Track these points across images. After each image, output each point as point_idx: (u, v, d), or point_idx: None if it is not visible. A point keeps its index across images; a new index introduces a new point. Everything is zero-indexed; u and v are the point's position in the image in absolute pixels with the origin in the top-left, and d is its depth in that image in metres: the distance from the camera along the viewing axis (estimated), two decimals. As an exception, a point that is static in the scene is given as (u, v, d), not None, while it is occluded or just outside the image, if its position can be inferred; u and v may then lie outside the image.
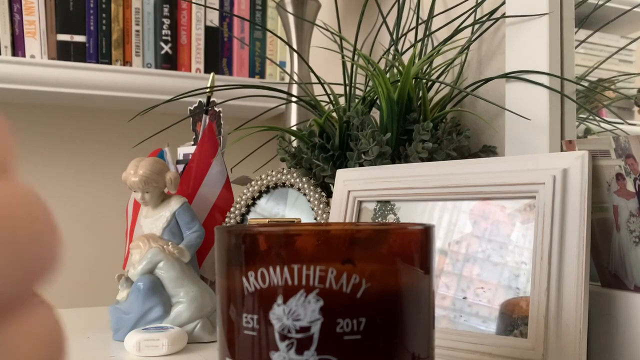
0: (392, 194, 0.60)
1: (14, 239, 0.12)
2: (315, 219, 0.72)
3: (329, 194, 0.73)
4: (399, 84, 0.69)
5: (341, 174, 0.65)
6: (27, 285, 0.12)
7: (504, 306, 0.50)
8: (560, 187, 0.48)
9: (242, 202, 0.80)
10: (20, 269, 0.12)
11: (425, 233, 0.33)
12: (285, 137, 0.81)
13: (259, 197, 0.80)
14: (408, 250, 0.32)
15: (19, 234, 0.12)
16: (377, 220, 0.61)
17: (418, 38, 0.78)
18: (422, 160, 0.67)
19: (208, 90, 0.90)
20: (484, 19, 0.73)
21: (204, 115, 0.91)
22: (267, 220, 0.70)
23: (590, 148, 0.49)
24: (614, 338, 0.48)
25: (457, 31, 0.74)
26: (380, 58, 0.79)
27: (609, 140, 0.49)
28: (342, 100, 0.82)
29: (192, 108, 0.94)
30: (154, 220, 0.73)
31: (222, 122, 0.90)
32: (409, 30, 0.81)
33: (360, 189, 0.62)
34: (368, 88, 0.78)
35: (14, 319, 0.12)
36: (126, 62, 1.16)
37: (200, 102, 0.93)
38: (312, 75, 0.83)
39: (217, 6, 1.22)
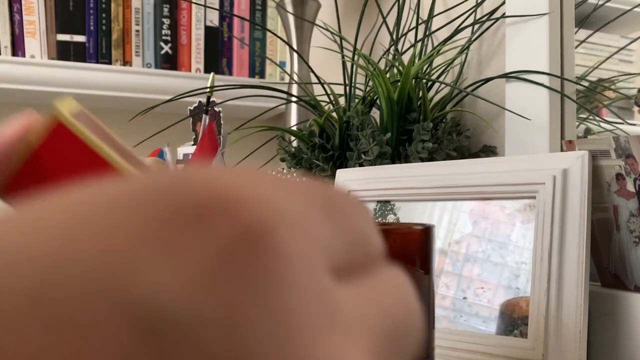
0: (392, 194, 0.60)
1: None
2: (315, 219, 0.72)
3: (329, 194, 0.73)
4: (399, 84, 0.69)
5: (341, 174, 0.65)
6: None
7: (504, 306, 0.50)
8: (560, 187, 0.48)
9: (242, 202, 0.80)
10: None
11: (425, 233, 0.33)
12: (285, 137, 0.81)
13: (259, 197, 0.80)
14: (408, 250, 0.32)
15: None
16: (377, 220, 0.61)
17: (418, 38, 0.78)
18: (422, 160, 0.67)
19: (208, 90, 0.90)
20: (484, 19, 0.73)
21: (204, 115, 0.91)
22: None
23: (590, 148, 0.49)
24: (614, 338, 0.48)
25: (457, 31, 0.74)
26: (380, 58, 0.79)
27: (609, 140, 0.49)
28: (342, 100, 0.82)
29: (192, 108, 0.94)
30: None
31: (222, 122, 0.90)
32: (409, 30, 0.81)
33: (360, 189, 0.62)
34: (368, 88, 0.78)
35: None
36: (126, 62, 1.16)
37: (200, 102, 0.93)
38: (312, 75, 0.83)
39: (217, 6, 1.22)
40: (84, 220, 0.10)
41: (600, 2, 0.68)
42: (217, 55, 1.22)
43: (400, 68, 0.71)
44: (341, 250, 0.12)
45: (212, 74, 0.92)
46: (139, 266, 0.09)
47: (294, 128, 0.94)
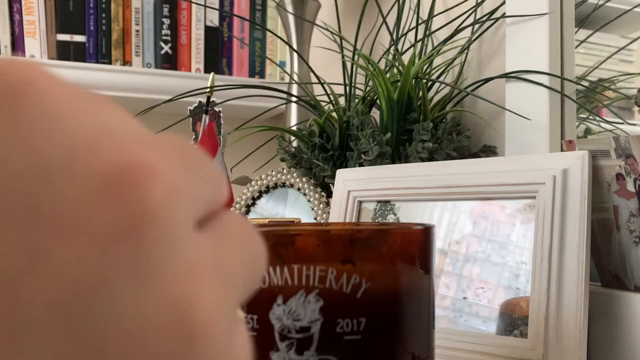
0: (392, 194, 0.60)
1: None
2: (315, 219, 0.72)
3: (329, 194, 0.73)
4: (399, 84, 0.69)
5: (341, 174, 0.65)
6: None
7: (504, 306, 0.50)
8: (560, 187, 0.48)
9: (242, 202, 0.80)
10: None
11: (425, 233, 0.33)
12: (285, 137, 0.81)
13: (259, 197, 0.80)
14: (408, 250, 0.32)
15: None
16: (377, 220, 0.61)
17: (418, 38, 0.78)
18: (422, 160, 0.67)
19: (208, 90, 0.90)
20: (484, 19, 0.73)
21: (203, 115, 0.91)
22: (267, 220, 0.70)
23: (590, 148, 0.49)
24: (614, 338, 0.48)
25: (457, 31, 0.74)
26: (380, 58, 0.79)
27: (609, 140, 0.49)
28: (342, 100, 0.82)
29: (192, 108, 0.94)
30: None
31: (222, 122, 0.90)
32: (409, 30, 0.81)
33: (360, 189, 0.62)
34: (368, 88, 0.78)
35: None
36: (126, 62, 1.16)
37: (200, 102, 0.93)
38: (312, 75, 0.83)
39: (217, 6, 1.22)
40: None
41: (600, 2, 0.68)
42: (217, 55, 1.22)
43: (400, 68, 0.71)
44: (204, 202, 0.14)
45: (212, 74, 0.92)
46: None
47: (294, 128, 0.94)
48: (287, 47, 1.04)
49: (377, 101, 0.74)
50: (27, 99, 0.12)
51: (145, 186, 0.12)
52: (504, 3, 0.70)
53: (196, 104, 0.93)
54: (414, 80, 0.70)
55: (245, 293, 0.15)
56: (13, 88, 0.12)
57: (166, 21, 1.18)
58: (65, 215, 0.11)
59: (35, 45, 1.10)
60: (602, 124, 0.69)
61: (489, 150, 0.74)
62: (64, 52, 1.12)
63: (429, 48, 0.79)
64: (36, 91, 0.12)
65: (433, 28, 0.80)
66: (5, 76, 0.12)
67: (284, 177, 0.77)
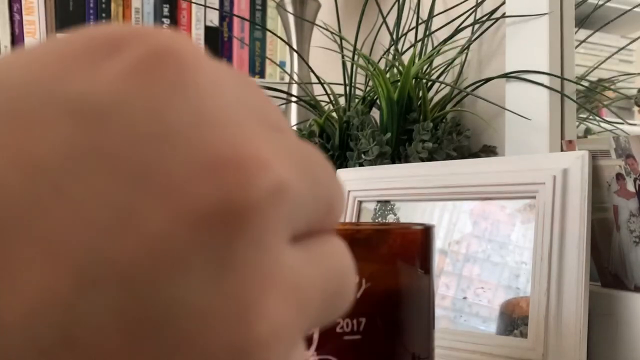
0: (392, 194, 0.60)
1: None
2: (315, 219, 0.72)
3: (329, 194, 0.73)
4: (399, 84, 0.69)
5: (341, 174, 0.65)
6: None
7: (504, 306, 0.50)
8: (560, 187, 0.48)
9: (242, 202, 0.80)
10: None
11: (425, 233, 0.33)
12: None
13: (259, 197, 0.80)
14: (408, 250, 0.32)
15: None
16: (377, 220, 0.61)
17: (418, 38, 0.78)
18: (422, 160, 0.67)
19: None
20: (484, 19, 0.73)
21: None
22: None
23: (590, 148, 0.49)
24: (614, 338, 0.48)
25: (457, 31, 0.74)
26: (380, 58, 0.79)
27: (609, 140, 0.49)
28: (342, 100, 0.82)
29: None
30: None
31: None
32: (409, 30, 0.81)
33: (360, 189, 0.62)
34: (368, 88, 0.78)
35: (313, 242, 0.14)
36: (126, 62, 1.16)
37: (200, 102, 0.93)
38: (312, 75, 0.83)
39: (217, 6, 1.22)
40: (30, 57, 0.12)
41: (600, 2, 0.68)
42: (217, 55, 1.22)
43: (400, 68, 0.71)
44: (311, 216, 0.14)
45: (212, 74, 0.92)
46: (74, 76, 0.12)
47: (294, 128, 0.94)
48: (287, 47, 1.04)
49: (377, 101, 0.74)
50: (168, 66, 0.12)
51: (254, 177, 0.11)
52: (504, 3, 0.70)
53: (196, 104, 0.93)
54: (414, 80, 0.70)
55: (316, 323, 0.14)
56: (156, 53, 0.12)
57: (166, 21, 1.18)
58: (167, 183, 0.11)
59: (35, 45, 1.10)
60: (602, 124, 0.70)
61: (489, 150, 0.74)
62: (64, 52, 1.12)
63: (429, 48, 0.79)
64: (178, 61, 0.12)
65: (433, 28, 0.80)
66: (152, 40, 0.12)
67: (284, 177, 0.77)
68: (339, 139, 0.74)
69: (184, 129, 0.11)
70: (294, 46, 1.03)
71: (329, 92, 0.81)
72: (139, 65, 0.12)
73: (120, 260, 0.11)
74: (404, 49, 0.82)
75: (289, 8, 1.03)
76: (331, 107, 0.79)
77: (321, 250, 0.14)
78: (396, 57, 0.76)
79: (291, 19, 1.03)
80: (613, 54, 0.70)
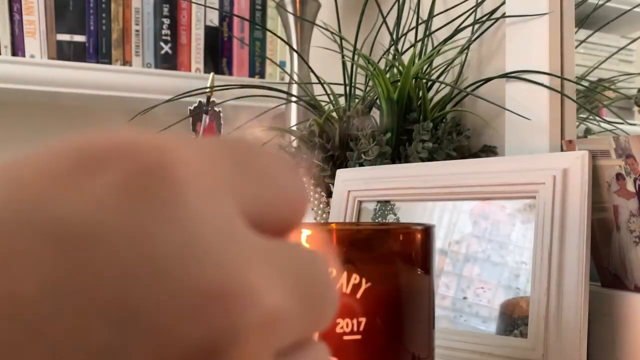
0: (392, 194, 0.60)
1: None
2: (315, 219, 0.72)
3: (329, 194, 0.73)
4: (399, 84, 0.69)
5: (341, 174, 0.65)
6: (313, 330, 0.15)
7: (504, 306, 0.50)
8: (560, 187, 0.48)
9: (242, 202, 0.80)
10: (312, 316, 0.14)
11: (425, 233, 0.33)
12: (285, 137, 0.81)
13: (259, 197, 0.80)
14: (408, 250, 0.32)
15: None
16: (377, 220, 0.61)
17: (418, 38, 0.78)
18: (422, 160, 0.67)
19: (208, 90, 0.90)
20: (484, 19, 0.73)
21: (203, 115, 0.91)
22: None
23: (590, 148, 0.49)
24: (614, 338, 0.48)
25: (457, 31, 0.74)
26: (380, 58, 0.79)
27: (609, 140, 0.49)
28: (342, 100, 0.82)
29: (192, 108, 0.94)
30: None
31: (222, 122, 0.90)
32: (409, 30, 0.81)
33: (360, 189, 0.62)
34: (368, 88, 0.78)
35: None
36: (126, 62, 1.16)
37: (200, 102, 0.93)
38: (312, 75, 0.83)
39: (217, 6, 1.22)
40: (11, 175, 0.12)
41: (600, 2, 0.68)
42: (217, 55, 1.22)
43: (400, 68, 0.71)
44: (251, 199, 0.14)
45: (212, 74, 0.92)
46: (55, 197, 0.11)
47: (294, 128, 0.94)
48: (287, 47, 1.04)
49: (377, 101, 0.74)
50: (155, 187, 0.12)
51: (241, 312, 0.11)
52: (504, 3, 0.70)
53: (196, 104, 0.93)
54: (414, 80, 0.70)
55: None
56: (142, 173, 0.12)
57: (166, 21, 1.18)
58: (151, 324, 0.11)
59: (35, 45, 1.10)
60: (602, 124, 0.70)
61: (489, 150, 0.74)
62: (64, 52, 1.12)
63: (429, 48, 0.79)
64: (166, 181, 0.12)
65: (433, 28, 0.80)
66: (140, 156, 0.12)
67: (284, 177, 0.77)
68: (339, 139, 0.74)
69: (170, 263, 0.11)
70: (294, 46, 1.03)
71: (329, 92, 0.81)
72: (123, 187, 0.11)
73: None
74: (404, 49, 0.82)
75: (289, 8, 1.03)
76: (331, 107, 0.79)
77: (287, 247, 0.14)
78: (396, 57, 0.76)
79: (291, 19, 1.03)
80: (613, 54, 0.70)
